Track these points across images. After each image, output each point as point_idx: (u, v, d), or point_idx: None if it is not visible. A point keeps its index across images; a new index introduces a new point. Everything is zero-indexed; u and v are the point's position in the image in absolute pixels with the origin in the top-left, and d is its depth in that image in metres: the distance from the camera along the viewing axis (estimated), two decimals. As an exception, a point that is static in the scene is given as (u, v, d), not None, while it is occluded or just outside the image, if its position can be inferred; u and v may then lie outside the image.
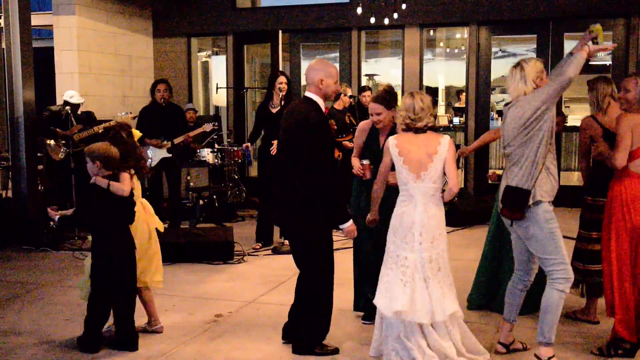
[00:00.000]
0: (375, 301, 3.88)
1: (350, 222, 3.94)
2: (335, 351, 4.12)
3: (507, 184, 3.84)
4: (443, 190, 3.88)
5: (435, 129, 3.94)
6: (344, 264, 5.31)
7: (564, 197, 4.77)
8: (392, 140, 3.89)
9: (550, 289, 3.84)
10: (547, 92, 3.66)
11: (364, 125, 4.66)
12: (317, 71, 3.93)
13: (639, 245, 4.00)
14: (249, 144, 7.31)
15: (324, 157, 3.87)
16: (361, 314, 4.81)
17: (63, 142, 7.78)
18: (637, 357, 4.07)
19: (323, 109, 3.99)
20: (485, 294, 5.03)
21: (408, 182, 3.80)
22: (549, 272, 3.85)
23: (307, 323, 4.07)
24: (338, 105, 8.03)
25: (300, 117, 3.87)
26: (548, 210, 3.79)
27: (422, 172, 3.78)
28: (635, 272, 4.02)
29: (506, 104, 3.94)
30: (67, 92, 8.07)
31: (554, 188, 3.84)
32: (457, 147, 4.78)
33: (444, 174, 3.84)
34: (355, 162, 4.60)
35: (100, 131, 8.05)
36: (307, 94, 3.98)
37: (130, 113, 8.07)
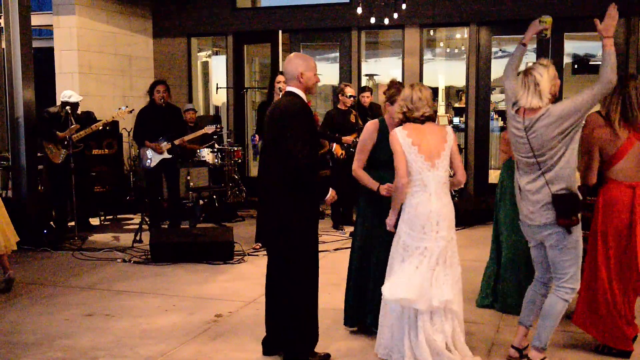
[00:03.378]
0: (395, 297, 3.76)
1: (330, 191, 3.91)
2: (327, 357, 4.06)
3: (554, 193, 3.70)
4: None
5: (433, 120, 3.92)
6: (343, 263, 5.29)
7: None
8: (400, 131, 3.86)
9: (555, 297, 3.82)
10: (590, 99, 3.58)
11: (373, 125, 4.42)
12: (296, 65, 3.92)
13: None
14: (257, 136, 7.22)
15: (303, 142, 3.77)
16: (352, 329, 4.58)
17: (61, 145, 7.78)
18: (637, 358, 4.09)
19: (305, 100, 3.98)
20: (489, 294, 5.05)
21: (422, 171, 3.79)
22: (558, 278, 3.82)
23: (296, 332, 3.93)
24: (341, 106, 8.03)
25: (282, 108, 3.89)
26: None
27: (436, 161, 3.81)
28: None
29: (517, 110, 3.81)
30: (65, 92, 8.07)
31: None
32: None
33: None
34: (365, 178, 4.30)
35: (100, 128, 8.06)
36: (289, 88, 3.96)
37: (127, 107, 8.07)
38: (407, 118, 3.88)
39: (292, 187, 3.82)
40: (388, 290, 3.79)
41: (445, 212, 3.80)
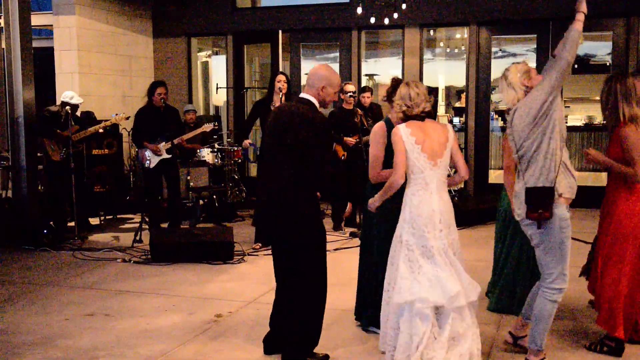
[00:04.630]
0: (409, 298, 3.70)
1: (349, 205, 4.01)
2: (326, 358, 4.06)
3: (527, 186, 3.74)
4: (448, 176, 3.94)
5: (432, 116, 3.93)
6: (344, 264, 5.31)
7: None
8: (403, 129, 3.83)
9: (543, 299, 3.82)
10: (549, 82, 3.61)
11: (381, 128, 4.36)
12: (321, 78, 3.90)
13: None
14: (249, 141, 7.19)
15: (328, 155, 3.90)
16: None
17: (61, 143, 7.79)
18: (634, 357, 4.09)
19: (320, 112, 3.99)
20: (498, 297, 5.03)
21: (425, 170, 3.80)
22: (544, 279, 3.83)
23: (297, 331, 3.94)
24: (345, 105, 8.04)
25: (304, 118, 3.83)
26: (564, 217, 3.73)
27: (438, 160, 3.82)
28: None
29: (507, 110, 3.91)
30: (66, 92, 8.08)
31: (572, 185, 3.79)
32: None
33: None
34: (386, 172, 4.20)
35: (100, 131, 8.08)
36: (305, 95, 3.94)
37: (123, 114, 8.11)
38: (407, 116, 3.88)
39: (310, 195, 3.84)
40: (436, 295, 3.69)
41: (446, 209, 3.82)
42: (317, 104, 3.93)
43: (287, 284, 4.01)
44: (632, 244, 4.03)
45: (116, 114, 8.12)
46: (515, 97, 3.79)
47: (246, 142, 7.21)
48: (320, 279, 3.95)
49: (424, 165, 3.80)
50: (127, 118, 8.04)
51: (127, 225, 8.76)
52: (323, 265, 3.96)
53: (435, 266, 3.75)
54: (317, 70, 3.96)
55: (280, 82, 6.85)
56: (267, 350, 4.16)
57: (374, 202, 4.03)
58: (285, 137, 3.85)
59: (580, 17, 3.61)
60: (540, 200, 3.68)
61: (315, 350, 4.02)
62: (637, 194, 4.03)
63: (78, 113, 8.17)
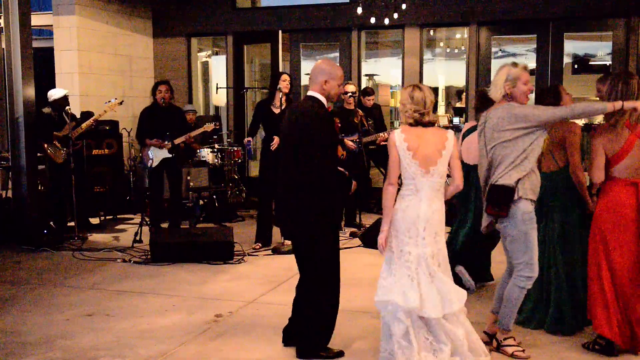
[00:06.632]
0: (384, 298, 3.78)
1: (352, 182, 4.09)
2: (340, 354, 4.09)
3: (492, 183, 3.90)
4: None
5: (427, 123, 3.84)
6: (350, 263, 5.29)
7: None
8: (398, 134, 3.82)
9: (512, 284, 3.99)
10: (551, 116, 3.80)
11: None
12: (322, 72, 3.97)
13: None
14: (250, 138, 7.19)
15: (328, 151, 3.93)
16: None
17: (61, 144, 7.77)
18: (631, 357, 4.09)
19: (326, 106, 4.02)
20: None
21: (416, 176, 3.78)
22: (514, 267, 4.00)
23: (311, 326, 4.01)
24: (345, 105, 8.04)
25: (307, 113, 3.92)
26: (527, 211, 3.86)
27: (432, 168, 3.77)
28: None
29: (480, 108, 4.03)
30: (49, 93, 7.99)
31: (536, 185, 3.92)
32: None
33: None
34: None
35: (92, 125, 8.00)
36: (311, 92, 4.01)
37: (116, 99, 7.96)
38: (417, 123, 3.80)
39: (315, 190, 3.87)
40: (400, 300, 3.73)
41: (434, 219, 3.78)
42: (322, 99, 3.98)
43: (303, 277, 4.09)
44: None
45: (108, 101, 7.92)
46: (495, 95, 3.97)
47: (246, 139, 7.20)
48: (330, 275, 3.99)
49: (415, 172, 3.77)
50: (121, 102, 7.91)
51: (127, 225, 8.76)
52: (334, 261, 4.01)
53: (407, 273, 3.75)
54: (318, 65, 4.03)
55: (286, 81, 6.87)
56: (285, 341, 4.23)
57: (380, 236, 3.87)
58: (293, 136, 3.94)
59: (617, 106, 3.79)
60: (501, 199, 3.84)
61: (329, 346, 4.08)
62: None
63: (78, 113, 8.15)
